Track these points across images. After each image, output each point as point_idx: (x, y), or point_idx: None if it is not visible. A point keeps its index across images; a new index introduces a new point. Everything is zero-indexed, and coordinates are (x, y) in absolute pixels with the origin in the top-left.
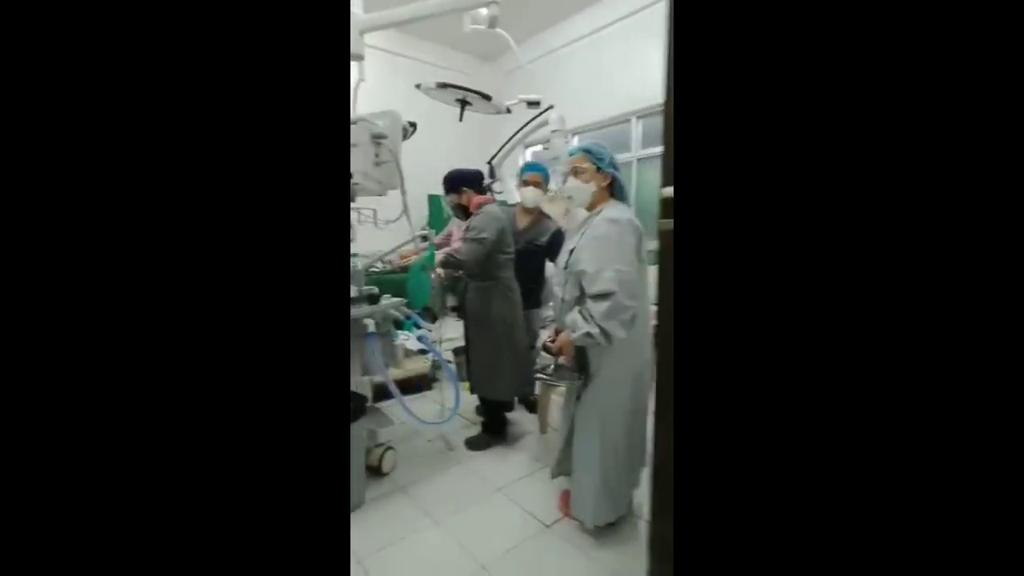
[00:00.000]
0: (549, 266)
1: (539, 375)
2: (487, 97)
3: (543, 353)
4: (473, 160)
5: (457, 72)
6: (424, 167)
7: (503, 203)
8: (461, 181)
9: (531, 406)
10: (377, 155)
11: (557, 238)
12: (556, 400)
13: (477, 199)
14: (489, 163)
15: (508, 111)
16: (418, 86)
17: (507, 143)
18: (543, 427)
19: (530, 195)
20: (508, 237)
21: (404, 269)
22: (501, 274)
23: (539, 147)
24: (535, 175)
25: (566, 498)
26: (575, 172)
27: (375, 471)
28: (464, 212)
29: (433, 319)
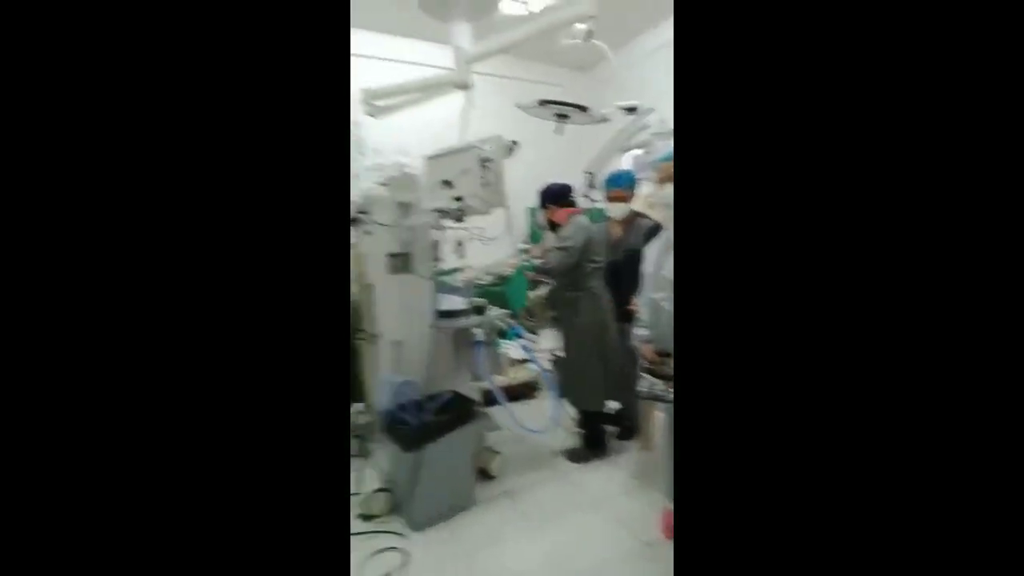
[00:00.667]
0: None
1: (642, 394)
2: (583, 108)
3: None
4: (576, 169)
5: (554, 86)
6: (525, 181)
7: (601, 211)
8: (548, 197)
9: (627, 433)
10: (483, 177)
11: (653, 232)
12: (660, 415)
13: (564, 211)
14: (588, 172)
15: (606, 120)
16: (518, 105)
17: (603, 152)
18: (645, 445)
19: (617, 209)
20: (596, 247)
21: (504, 280)
22: (590, 283)
23: (639, 151)
24: (617, 191)
25: (669, 519)
26: (671, 178)
27: (483, 474)
28: (554, 226)
29: (534, 331)
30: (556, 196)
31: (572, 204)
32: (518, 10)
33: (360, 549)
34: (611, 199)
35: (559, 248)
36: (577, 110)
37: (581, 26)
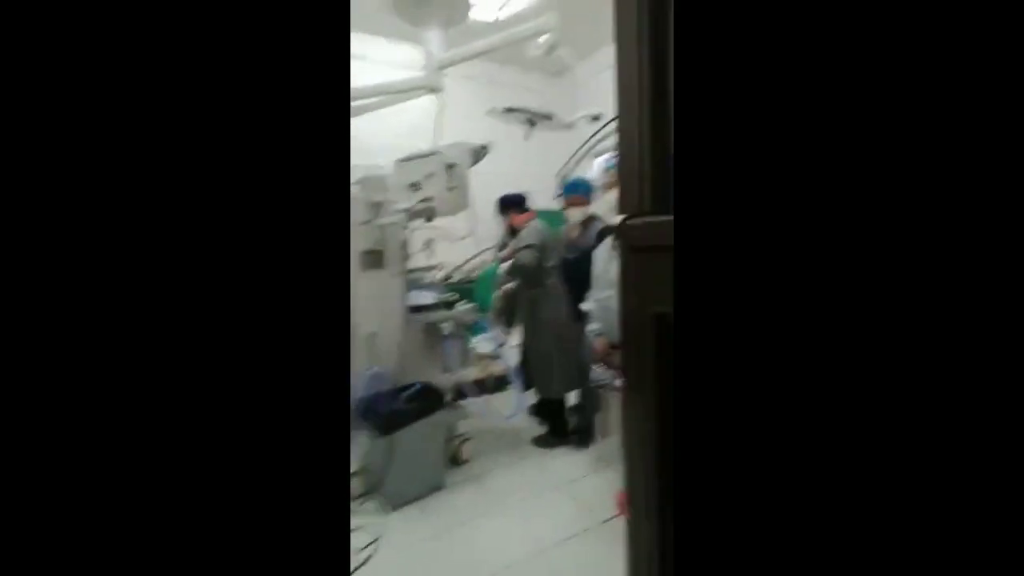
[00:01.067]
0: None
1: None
2: (548, 116)
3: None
4: (551, 170)
5: (530, 90)
6: (505, 180)
7: (558, 214)
8: (506, 204)
9: (583, 436)
10: (449, 181)
11: (603, 235)
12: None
13: (521, 217)
14: (559, 176)
15: (571, 126)
16: (489, 112)
17: (572, 157)
18: (604, 432)
19: (574, 214)
20: (552, 247)
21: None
22: (547, 280)
23: (608, 155)
24: (575, 197)
25: (623, 497)
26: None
27: (454, 460)
28: (514, 230)
29: (509, 325)
30: (512, 204)
31: (527, 210)
32: (489, 16)
33: None
34: (568, 205)
35: (523, 248)
36: (542, 117)
37: (542, 39)
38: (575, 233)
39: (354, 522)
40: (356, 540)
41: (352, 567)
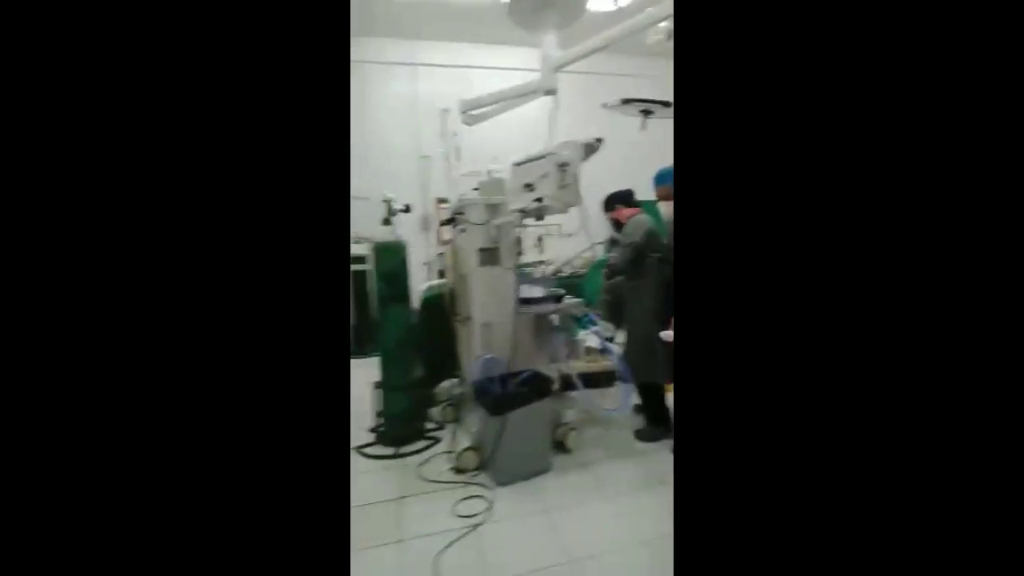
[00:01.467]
0: None
1: None
2: (667, 104)
3: None
4: (667, 160)
5: (649, 79)
6: (615, 177)
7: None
8: (613, 200)
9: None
10: (561, 180)
11: None
12: None
13: (627, 212)
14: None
15: None
16: (604, 105)
17: None
18: None
19: (666, 210)
20: (657, 239)
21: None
22: (652, 272)
23: None
24: (663, 188)
25: None
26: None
27: (560, 447)
28: (619, 226)
29: (615, 321)
30: (619, 200)
31: (635, 205)
32: (607, 6)
33: (451, 497)
34: (660, 197)
35: (622, 245)
36: (660, 105)
37: (663, 24)
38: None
39: (466, 492)
40: (468, 507)
41: (462, 531)
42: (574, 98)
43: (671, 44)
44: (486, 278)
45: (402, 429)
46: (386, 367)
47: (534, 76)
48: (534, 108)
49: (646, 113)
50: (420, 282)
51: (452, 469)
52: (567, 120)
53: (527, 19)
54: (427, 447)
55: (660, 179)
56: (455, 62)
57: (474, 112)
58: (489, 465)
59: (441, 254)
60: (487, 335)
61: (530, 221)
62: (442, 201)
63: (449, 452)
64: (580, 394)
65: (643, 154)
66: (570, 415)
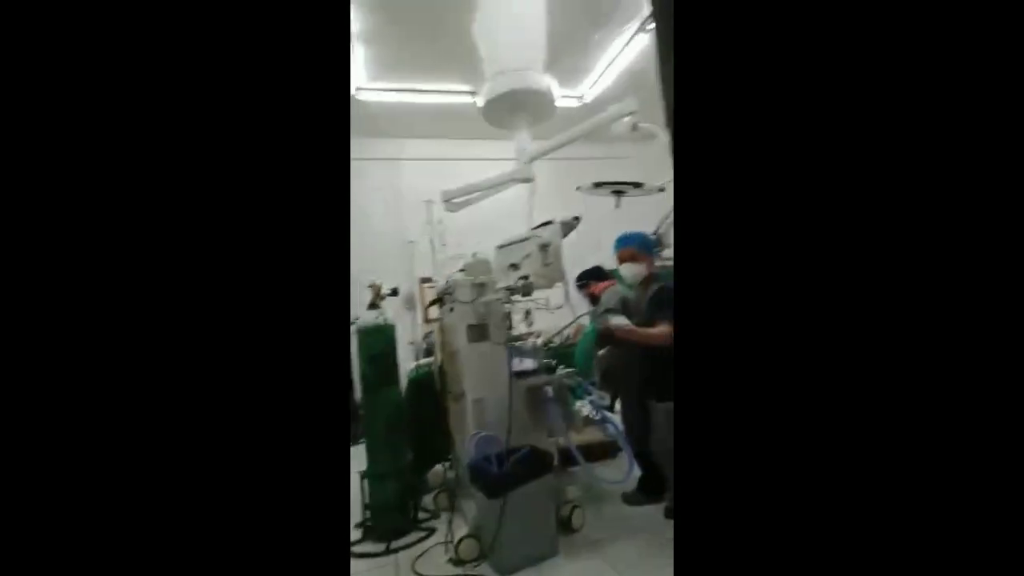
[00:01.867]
0: None
1: None
2: (638, 184)
3: None
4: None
5: (620, 160)
6: (594, 251)
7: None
8: (584, 277)
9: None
10: (543, 259)
11: (661, 294)
12: None
13: (600, 285)
14: (654, 234)
15: (663, 190)
16: (578, 189)
17: (664, 219)
18: None
19: (627, 271)
20: (632, 308)
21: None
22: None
23: None
24: (627, 250)
25: None
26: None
27: (567, 526)
28: (594, 300)
29: (613, 392)
30: (590, 276)
31: (607, 278)
32: (573, 102)
33: None
34: (621, 260)
35: (598, 315)
36: (631, 186)
37: (627, 120)
38: (640, 293)
39: None
40: None
41: None
42: (550, 180)
43: (636, 134)
44: (476, 354)
45: (393, 521)
46: (373, 454)
47: (512, 164)
48: (514, 190)
49: (618, 193)
50: (407, 362)
51: (451, 561)
52: (545, 202)
53: (501, 120)
54: (422, 539)
55: (619, 244)
56: (436, 156)
57: (456, 201)
58: (491, 553)
59: (429, 332)
60: (480, 412)
61: (518, 297)
62: (425, 280)
63: (446, 542)
64: (582, 468)
65: (621, 227)
66: (573, 491)
